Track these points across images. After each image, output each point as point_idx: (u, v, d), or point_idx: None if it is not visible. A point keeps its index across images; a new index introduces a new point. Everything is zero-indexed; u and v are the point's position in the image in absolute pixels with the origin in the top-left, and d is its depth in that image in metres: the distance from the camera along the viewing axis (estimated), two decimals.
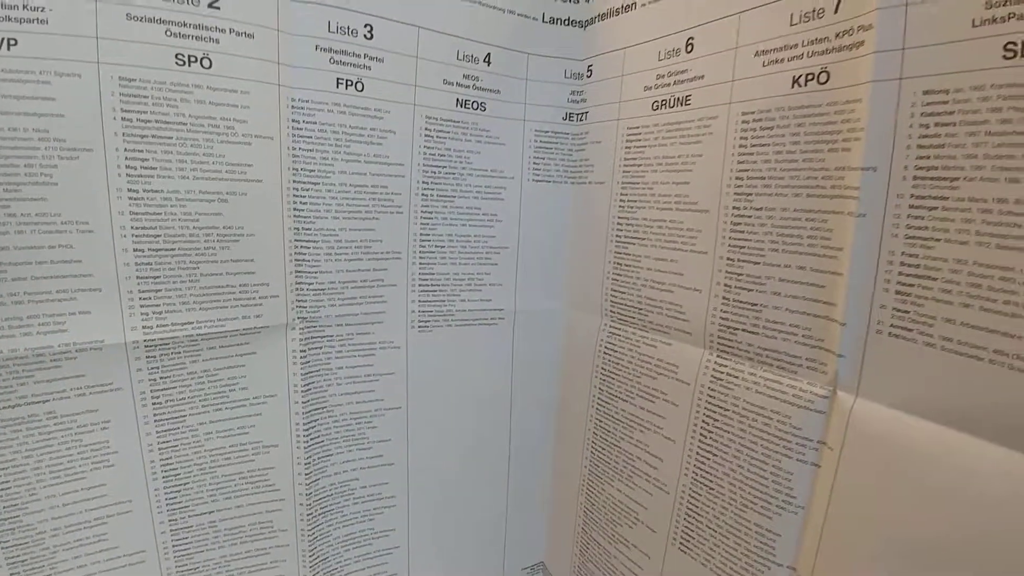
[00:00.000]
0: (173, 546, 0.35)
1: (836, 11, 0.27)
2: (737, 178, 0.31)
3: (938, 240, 0.23)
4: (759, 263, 0.31)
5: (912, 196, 0.24)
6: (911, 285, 0.24)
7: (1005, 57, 0.21)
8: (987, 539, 0.22)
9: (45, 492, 0.31)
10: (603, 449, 0.42)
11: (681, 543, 0.36)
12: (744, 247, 0.31)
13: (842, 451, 0.28)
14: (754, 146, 0.30)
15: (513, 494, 0.46)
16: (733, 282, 0.32)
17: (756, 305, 0.31)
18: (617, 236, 0.39)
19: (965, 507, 0.23)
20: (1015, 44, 0.21)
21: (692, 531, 0.35)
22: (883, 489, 0.26)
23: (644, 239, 0.37)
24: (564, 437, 0.46)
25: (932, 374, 0.24)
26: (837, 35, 0.27)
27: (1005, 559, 0.22)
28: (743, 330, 0.32)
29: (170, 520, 0.35)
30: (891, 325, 0.25)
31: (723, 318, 0.33)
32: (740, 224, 0.31)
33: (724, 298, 0.32)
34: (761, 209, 0.30)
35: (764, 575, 0.31)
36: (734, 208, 0.32)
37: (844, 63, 0.26)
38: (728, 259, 0.32)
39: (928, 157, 0.23)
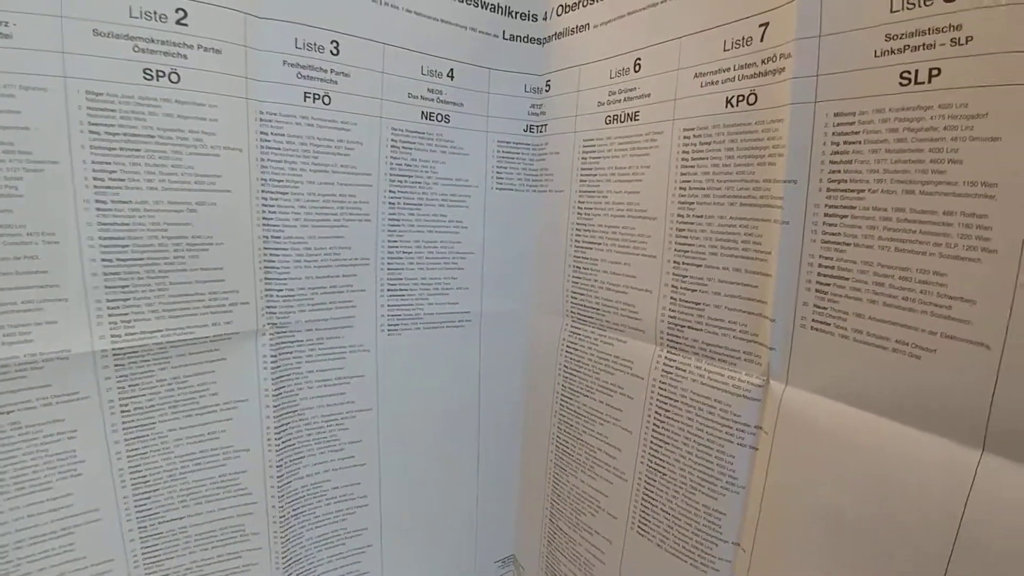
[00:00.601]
0: (142, 553, 0.35)
1: (762, 39, 0.30)
2: (681, 188, 0.34)
3: (848, 244, 0.27)
4: (701, 265, 0.34)
5: (826, 206, 0.27)
6: (827, 284, 0.28)
7: (901, 84, 0.25)
8: (888, 500, 0.25)
9: (8, 504, 0.31)
10: (567, 443, 0.44)
11: (639, 527, 0.38)
12: (688, 251, 0.34)
13: (775, 433, 0.31)
14: (695, 159, 0.33)
15: (483, 490, 0.48)
16: (679, 283, 0.35)
17: (699, 304, 0.34)
18: (576, 241, 0.42)
19: (871, 476, 0.26)
20: (909, 73, 0.24)
21: (648, 515, 0.38)
22: (808, 465, 0.29)
23: (600, 244, 0.40)
24: (530, 433, 0.48)
25: (847, 362, 0.27)
26: (763, 61, 0.30)
27: (901, 517, 0.25)
28: (689, 327, 0.35)
29: (139, 527, 0.35)
30: (812, 320, 0.29)
31: (671, 316, 0.35)
32: (684, 230, 0.34)
33: (672, 298, 0.35)
34: (702, 216, 0.33)
35: (712, 551, 0.34)
36: (678, 215, 0.34)
37: (769, 86, 0.29)
38: (674, 262, 0.35)
39: (839, 171, 0.27)
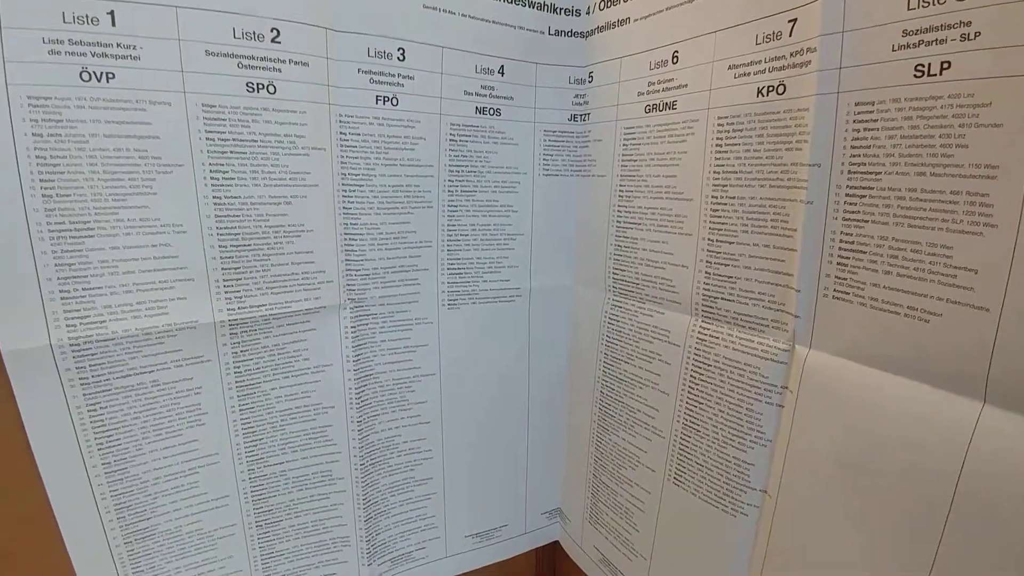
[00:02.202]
0: (251, 491, 0.42)
1: (791, 34, 0.33)
2: (715, 172, 0.38)
3: (866, 221, 0.30)
4: (733, 242, 0.37)
5: (847, 187, 0.30)
6: (847, 258, 0.31)
7: (915, 76, 0.27)
8: (898, 450, 0.29)
9: (149, 447, 0.38)
10: (609, 405, 0.49)
11: (675, 478, 0.43)
12: (721, 229, 0.38)
13: (799, 392, 0.34)
14: (728, 145, 0.37)
15: (532, 448, 0.53)
16: (713, 259, 0.38)
17: (732, 278, 0.37)
18: (617, 222, 0.45)
19: (884, 428, 0.29)
20: (923, 65, 0.27)
21: (684, 467, 0.42)
22: (828, 420, 0.32)
23: (640, 224, 0.43)
24: (575, 396, 0.53)
25: (864, 327, 0.30)
26: (791, 54, 0.33)
27: (909, 463, 0.28)
28: (722, 298, 0.38)
29: (249, 470, 0.42)
30: (834, 290, 0.32)
31: (706, 289, 0.39)
32: (718, 210, 0.38)
33: (706, 272, 0.39)
34: (734, 198, 0.37)
35: (742, 498, 0.38)
36: (713, 197, 0.38)
37: (796, 78, 0.32)
38: (709, 240, 0.38)
39: (859, 156, 0.30)
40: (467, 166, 0.45)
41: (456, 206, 0.45)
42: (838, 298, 0.32)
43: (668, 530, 0.44)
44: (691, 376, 0.41)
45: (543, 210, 0.48)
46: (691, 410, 0.41)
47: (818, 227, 0.32)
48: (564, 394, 0.54)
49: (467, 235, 0.46)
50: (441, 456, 0.49)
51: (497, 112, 0.45)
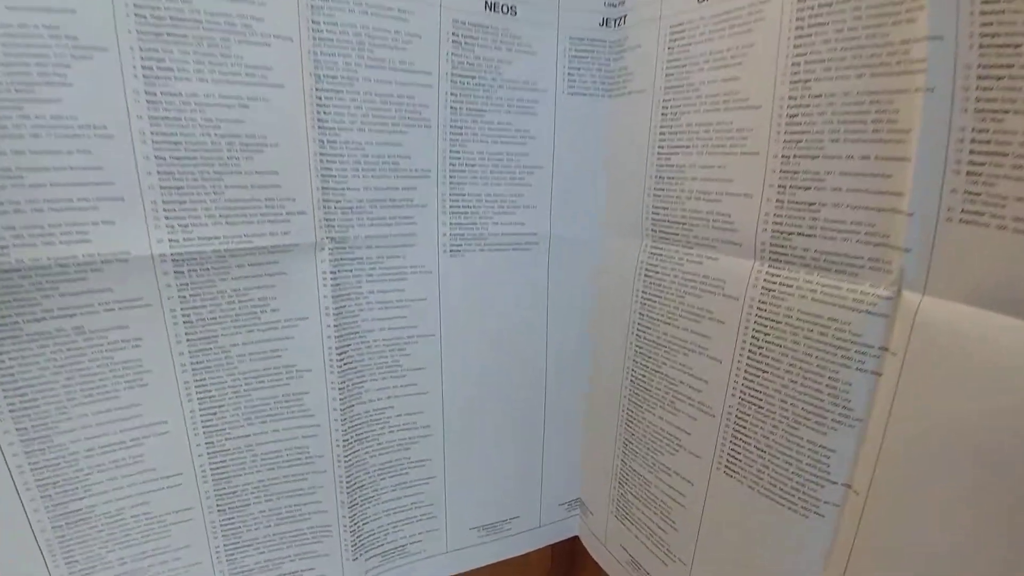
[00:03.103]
0: (211, 469, 0.35)
1: None
2: (794, 64, 0.29)
3: (1007, 112, 0.21)
4: (817, 156, 0.28)
5: (979, 66, 0.22)
6: (982, 164, 0.22)
7: None
8: None
9: (77, 411, 0.31)
10: (643, 376, 0.40)
11: (727, 467, 0.35)
12: (801, 141, 0.29)
13: (906, 356, 0.26)
14: (812, 27, 0.28)
15: (549, 426, 0.45)
16: (788, 182, 0.30)
17: (813, 205, 0.29)
18: (659, 148, 0.37)
19: None
20: None
21: (739, 453, 0.34)
22: (950, 392, 0.24)
23: (689, 147, 0.35)
24: (601, 365, 0.45)
25: (1005, 261, 0.22)
26: None
27: None
28: (798, 234, 0.29)
29: (207, 443, 0.35)
30: (962, 210, 0.23)
31: (776, 223, 0.30)
32: (796, 116, 0.29)
33: (778, 201, 0.30)
34: (820, 96, 0.28)
35: (817, 493, 0.30)
36: (790, 99, 0.29)
37: None
38: (783, 157, 0.30)
39: (991, 24, 0.21)
40: (474, 77, 0.36)
41: (460, 128, 0.37)
42: (968, 221, 0.23)
43: (715, 531, 0.36)
44: (752, 338, 0.32)
45: (567, 137, 0.40)
46: (751, 381, 0.32)
47: (941, 124, 0.23)
48: (588, 362, 0.46)
49: (474, 165, 0.38)
50: (441, 433, 0.41)
51: (512, 11, 0.36)
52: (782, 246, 0.30)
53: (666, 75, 0.36)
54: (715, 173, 0.33)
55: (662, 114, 0.36)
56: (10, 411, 0.29)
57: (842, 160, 0.27)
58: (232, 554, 0.37)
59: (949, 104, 0.23)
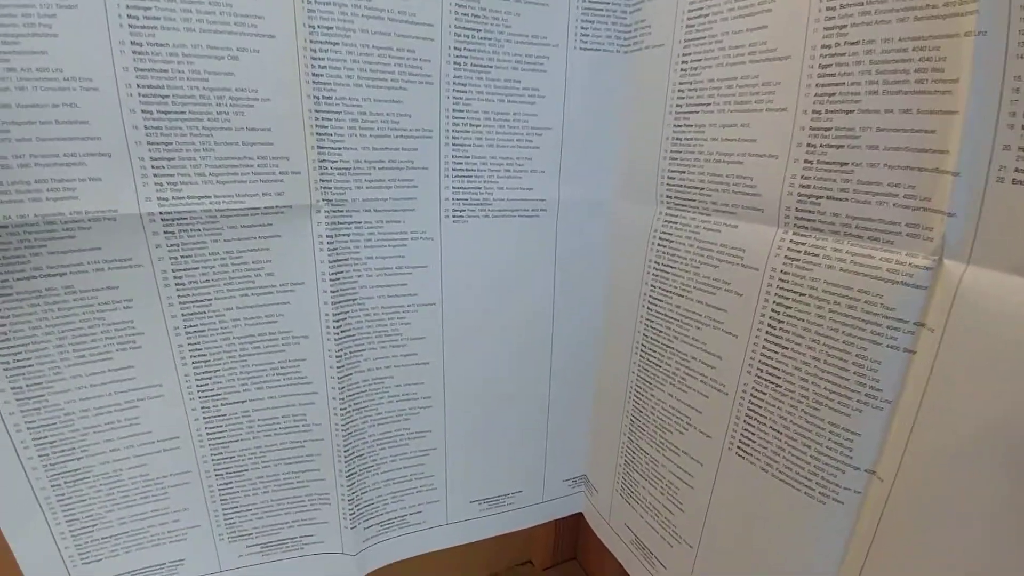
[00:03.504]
0: (207, 433, 0.35)
1: None
2: (828, 8, 0.26)
3: None
4: (852, 111, 0.25)
5: None
6: None
7: None
8: None
9: (70, 371, 0.31)
10: (654, 351, 0.38)
11: (739, 448, 0.33)
12: (834, 95, 0.26)
13: (944, 333, 0.23)
14: None
15: (554, 400, 0.44)
16: (818, 140, 0.27)
17: (846, 165, 0.26)
18: (678, 106, 0.34)
19: None
20: None
21: (752, 434, 0.32)
22: (994, 373, 0.22)
23: (709, 104, 0.32)
24: (611, 339, 0.43)
25: None
26: None
27: None
28: (828, 198, 0.27)
29: (203, 407, 0.34)
30: (1015, 170, 0.21)
31: (803, 186, 0.28)
32: (830, 66, 0.26)
33: (806, 161, 0.27)
34: (857, 43, 0.25)
35: (837, 479, 0.28)
36: (823, 47, 0.26)
37: None
38: (813, 112, 0.27)
39: None
40: (480, 30, 0.34)
41: (465, 85, 0.35)
42: (1022, 182, 0.20)
43: (724, 514, 0.34)
44: (772, 311, 0.30)
45: (578, 96, 0.37)
46: (769, 358, 0.30)
47: (994, 71, 0.21)
48: (597, 335, 0.44)
49: (478, 125, 0.36)
50: (442, 405, 0.40)
51: None
52: (809, 211, 0.28)
53: (686, 27, 0.33)
54: (737, 132, 0.31)
55: (681, 69, 0.33)
56: (4, 369, 0.29)
57: (880, 115, 0.25)
58: (231, 518, 0.37)
59: (1003, 49, 0.20)
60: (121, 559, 0.35)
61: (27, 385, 0.30)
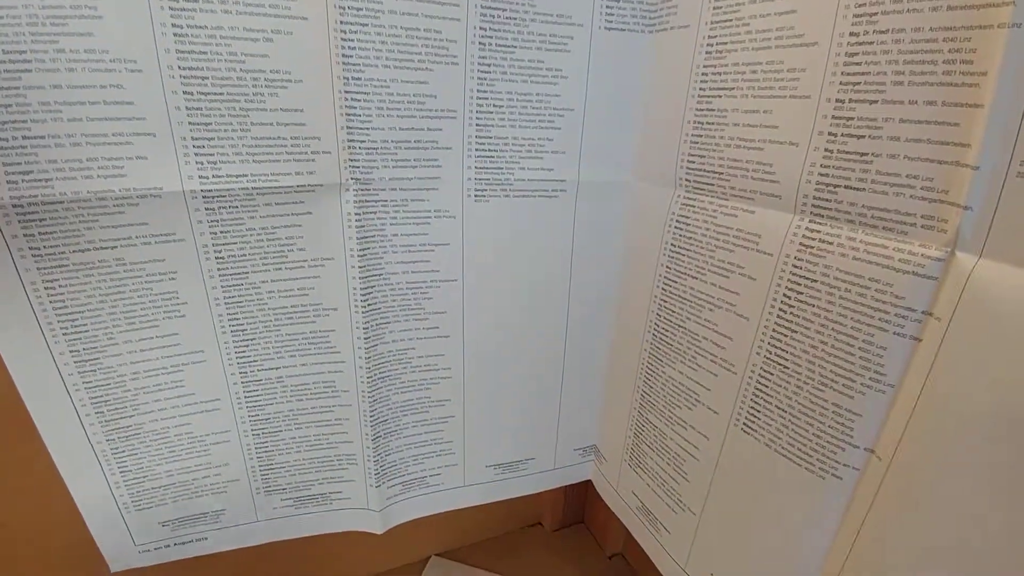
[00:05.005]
0: (245, 397, 0.37)
1: None
2: None
3: None
4: (876, 102, 0.26)
5: None
6: None
7: None
8: None
9: (122, 337, 0.33)
10: (666, 330, 0.40)
11: (745, 424, 0.34)
12: (859, 84, 0.26)
13: (951, 322, 0.24)
14: None
15: (568, 374, 0.46)
16: (840, 129, 0.27)
17: (866, 155, 0.26)
18: (701, 89, 0.34)
19: None
20: None
21: (758, 412, 0.33)
22: (999, 365, 0.22)
23: (733, 89, 0.32)
24: (624, 318, 0.44)
25: None
26: None
27: None
28: (846, 187, 0.27)
29: (240, 372, 0.37)
30: None
31: (822, 175, 0.28)
32: (857, 55, 0.26)
33: (827, 150, 0.28)
34: (887, 32, 0.25)
35: (836, 456, 0.29)
36: (851, 35, 0.26)
37: None
38: (837, 101, 0.27)
39: None
40: (505, 9, 0.34)
41: (489, 65, 0.35)
42: None
43: (727, 485, 0.36)
44: (784, 296, 0.31)
45: (601, 77, 0.37)
46: (778, 340, 0.31)
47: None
48: (611, 314, 0.45)
49: (501, 106, 0.36)
50: (461, 376, 0.42)
51: None
52: (826, 200, 0.28)
53: (713, 8, 0.33)
54: (759, 119, 0.31)
55: (706, 52, 0.33)
56: (64, 334, 0.32)
57: (904, 106, 0.25)
58: (266, 474, 0.40)
59: None
60: (169, 507, 0.39)
61: (84, 349, 0.32)
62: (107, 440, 0.35)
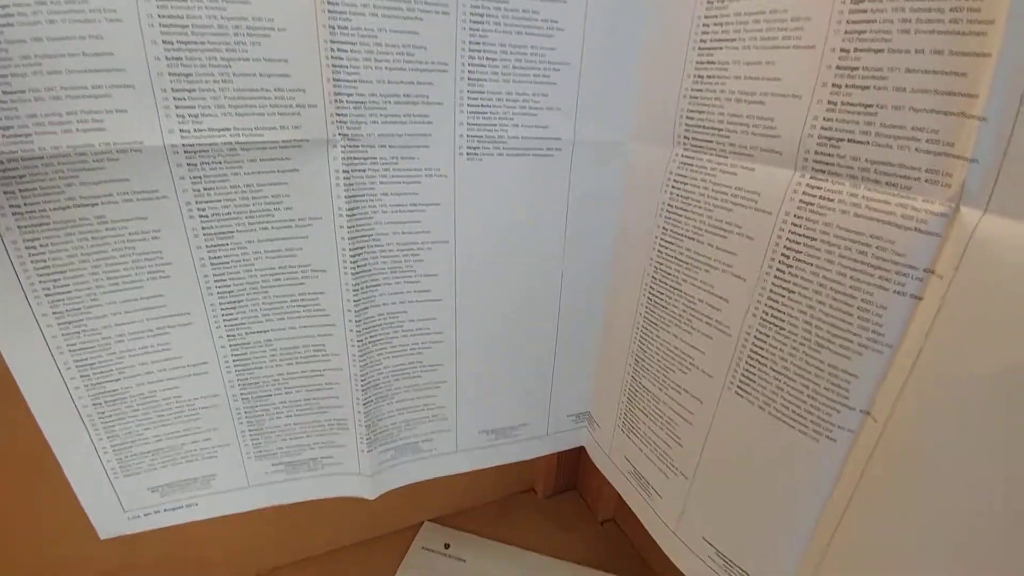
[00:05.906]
0: (234, 360, 0.37)
1: None
2: None
3: None
4: (882, 51, 0.25)
5: None
6: None
7: None
8: None
9: (106, 298, 0.32)
10: (662, 293, 0.39)
11: (739, 387, 0.34)
12: (865, 32, 0.25)
13: (954, 280, 0.23)
14: None
15: (561, 339, 0.45)
16: (844, 80, 0.26)
17: (870, 107, 0.25)
18: (701, 42, 0.33)
19: None
20: None
21: (753, 374, 0.33)
22: (1001, 321, 0.22)
23: (735, 40, 0.31)
24: (619, 281, 0.44)
25: None
26: None
27: None
28: (848, 140, 0.26)
29: (228, 335, 0.36)
30: None
31: (824, 128, 0.27)
32: (863, 2, 0.25)
33: (830, 102, 0.27)
34: None
35: (831, 418, 0.29)
36: None
37: None
38: (841, 51, 0.26)
39: None
40: None
41: (481, 15, 0.34)
42: None
43: (720, 448, 0.36)
44: (782, 255, 0.30)
45: (599, 29, 0.36)
46: (775, 301, 0.31)
47: None
48: (606, 277, 0.44)
49: (494, 59, 0.35)
50: (453, 340, 0.42)
51: None
52: (828, 155, 0.27)
53: None
54: (762, 71, 0.30)
55: (707, 2, 0.32)
56: (46, 295, 0.31)
57: (910, 55, 0.24)
58: (257, 439, 0.40)
59: None
60: (158, 472, 0.38)
61: (67, 310, 0.32)
62: (93, 405, 0.35)
